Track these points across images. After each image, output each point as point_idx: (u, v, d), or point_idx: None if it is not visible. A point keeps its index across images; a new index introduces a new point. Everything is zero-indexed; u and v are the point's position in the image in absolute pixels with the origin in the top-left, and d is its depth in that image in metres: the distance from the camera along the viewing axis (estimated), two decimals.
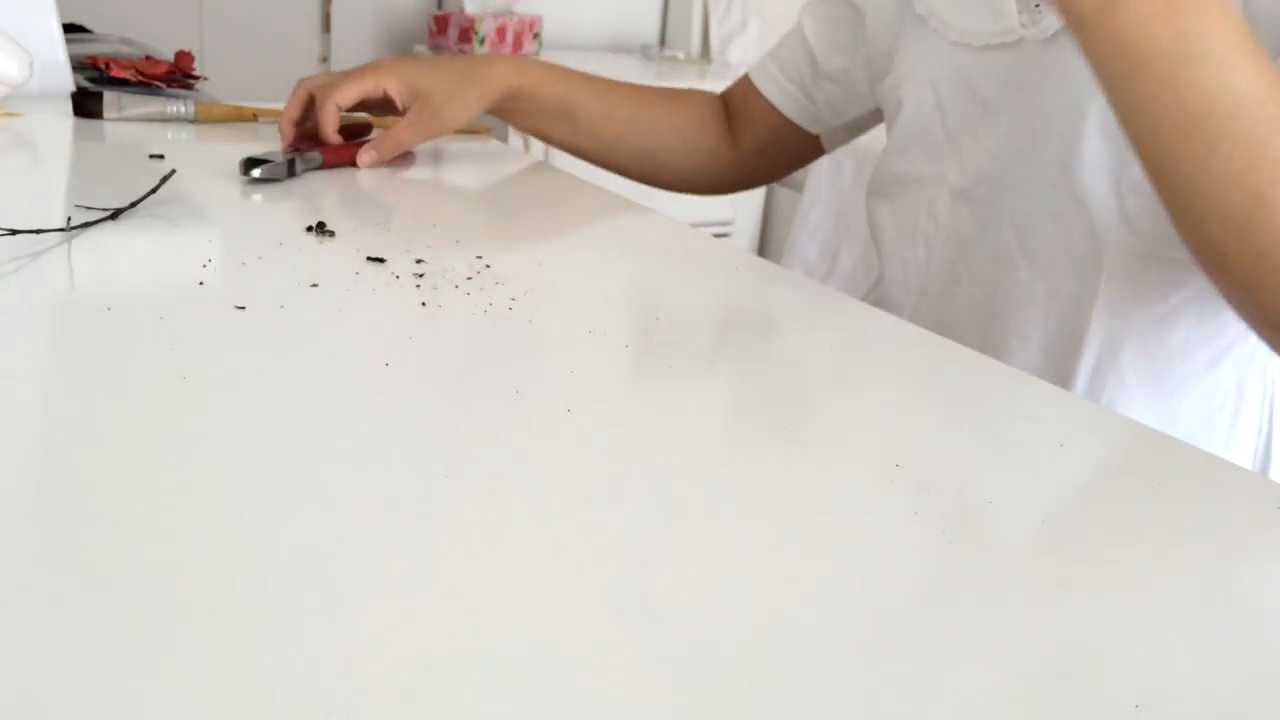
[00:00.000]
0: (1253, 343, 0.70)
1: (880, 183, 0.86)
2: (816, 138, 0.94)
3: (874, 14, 0.85)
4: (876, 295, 0.86)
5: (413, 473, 0.40)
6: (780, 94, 0.92)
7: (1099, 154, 0.68)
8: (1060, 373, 0.73)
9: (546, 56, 2.53)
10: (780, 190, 2.52)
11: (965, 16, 0.77)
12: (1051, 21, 0.71)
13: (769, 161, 0.97)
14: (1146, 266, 0.69)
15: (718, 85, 1.02)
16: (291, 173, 0.78)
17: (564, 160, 1.02)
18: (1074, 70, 0.69)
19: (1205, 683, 0.33)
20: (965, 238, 0.77)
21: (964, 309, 0.77)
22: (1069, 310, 0.72)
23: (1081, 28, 0.54)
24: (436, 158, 0.96)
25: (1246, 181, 0.52)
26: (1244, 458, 0.73)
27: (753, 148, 0.96)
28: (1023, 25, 0.73)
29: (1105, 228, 0.69)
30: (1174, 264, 0.68)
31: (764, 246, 2.67)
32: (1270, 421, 0.74)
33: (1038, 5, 0.73)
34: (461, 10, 2.46)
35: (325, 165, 0.83)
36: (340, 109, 0.85)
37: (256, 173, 0.76)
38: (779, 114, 0.92)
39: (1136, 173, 0.66)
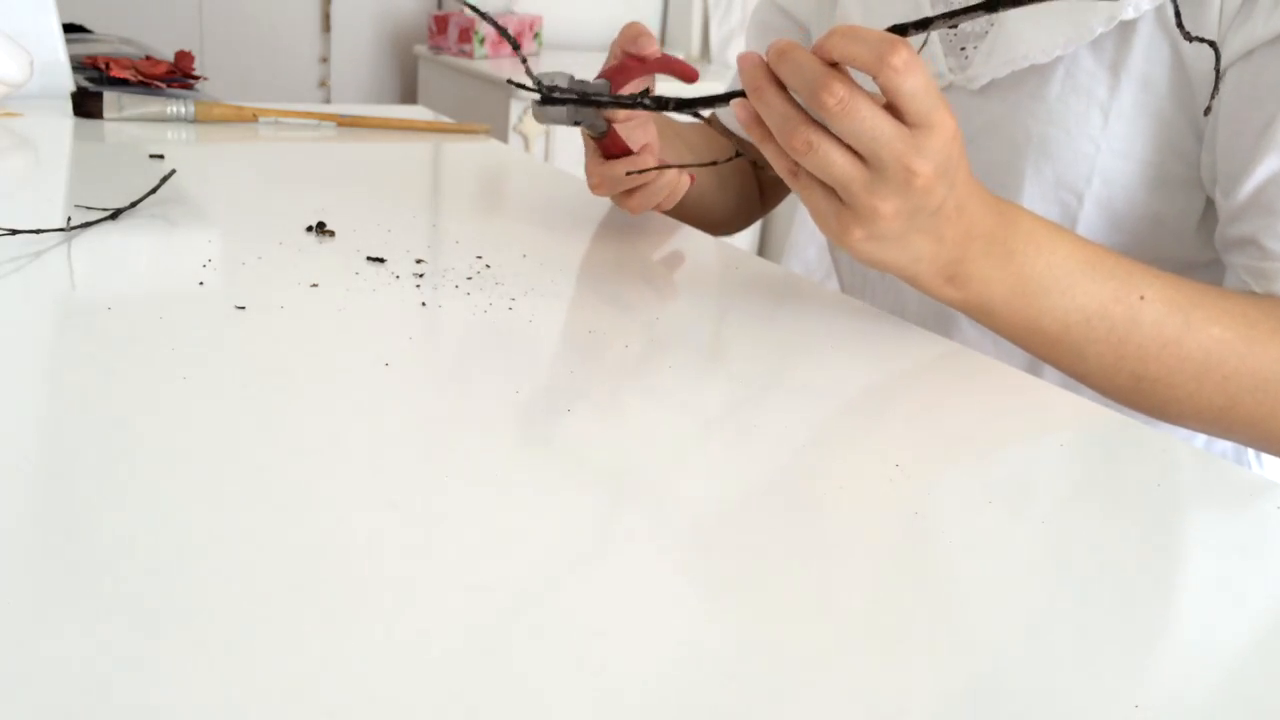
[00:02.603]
0: None
1: None
2: None
3: (816, 31, 0.84)
4: None
5: (413, 472, 0.40)
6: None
7: (1038, 200, 0.68)
8: None
9: (546, 56, 2.53)
10: None
11: None
12: (980, 72, 0.69)
13: (776, 195, 0.96)
14: None
15: (718, 85, 1.02)
16: (576, 121, 0.68)
17: (564, 160, 1.02)
18: (1007, 120, 0.68)
19: (1205, 683, 0.33)
20: (908, 291, 0.76)
21: None
22: (1020, 359, 0.72)
23: (938, 298, 0.58)
24: (436, 157, 0.96)
25: (1121, 368, 0.58)
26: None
27: (770, 184, 0.94)
28: (950, 70, 0.72)
29: None
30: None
31: (764, 246, 2.67)
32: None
33: (964, 49, 0.71)
34: (462, 10, 2.46)
35: (604, 145, 0.71)
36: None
37: (548, 109, 0.65)
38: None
39: (1083, 216, 0.67)
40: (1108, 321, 0.57)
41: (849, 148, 0.49)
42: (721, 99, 0.56)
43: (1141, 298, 0.57)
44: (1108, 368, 0.58)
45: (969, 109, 0.70)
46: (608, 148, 0.70)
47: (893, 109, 0.48)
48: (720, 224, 0.90)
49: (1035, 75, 0.67)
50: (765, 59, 0.50)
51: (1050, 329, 0.57)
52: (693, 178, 0.72)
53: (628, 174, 0.69)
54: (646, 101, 0.59)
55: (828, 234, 0.53)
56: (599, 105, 0.61)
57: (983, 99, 0.70)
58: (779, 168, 0.53)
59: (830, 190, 0.52)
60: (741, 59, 0.52)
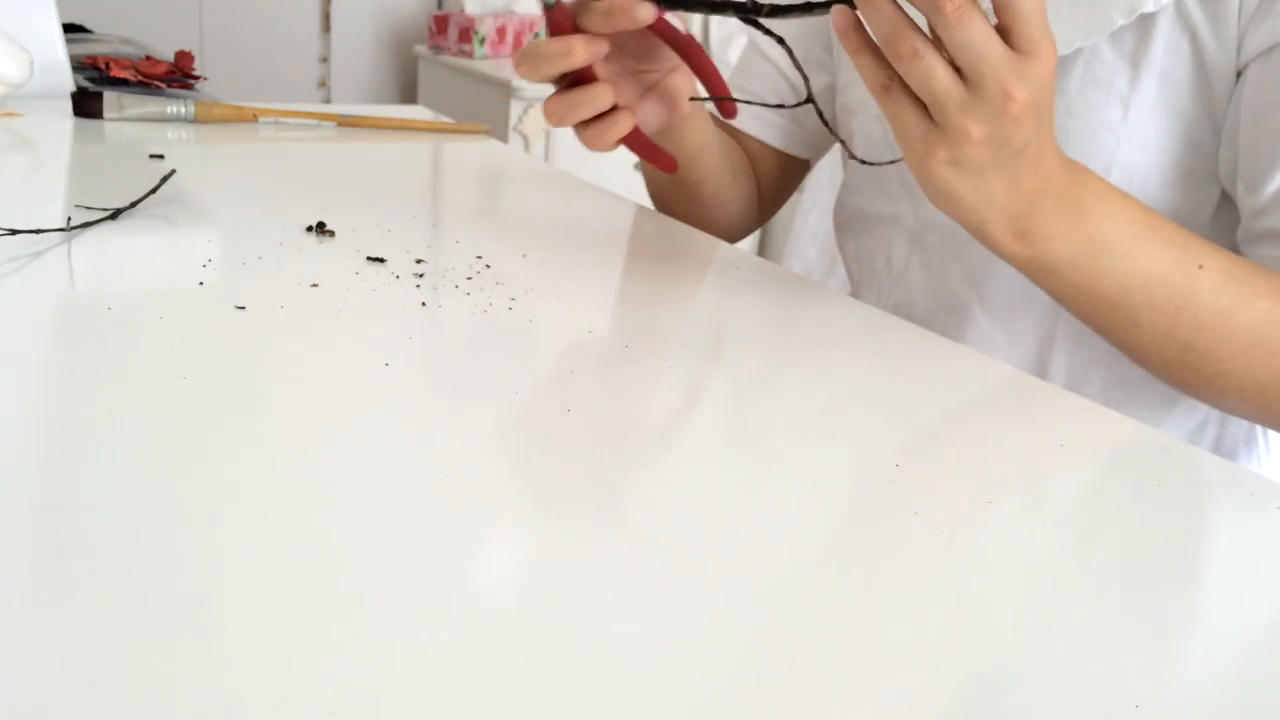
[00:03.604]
0: None
1: (843, 218, 0.85)
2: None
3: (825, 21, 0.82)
4: None
5: (412, 472, 0.40)
6: (772, 132, 0.86)
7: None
8: None
9: None
10: None
11: None
12: None
13: (779, 198, 0.92)
14: None
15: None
16: None
17: (564, 160, 1.02)
18: None
19: (1205, 682, 0.33)
20: (919, 285, 0.76)
21: None
22: (1030, 351, 0.72)
23: (1001, 256, 0.58)
24: (436, 157, 0.96)
25: (1174, 338, 0.58)
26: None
27: (769, 188, 0.90)
28: None
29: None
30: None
31: (764, 246, 2.67)
32: (1266, 435, 0.74)
33: None
34: (461, 10, 2.46)
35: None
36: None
37: None
38: (774, 150, 0.87)
39: None
40: (1166, 289, 0.57)
41: (951, 63, 0.49)
42: (822, 6, 0.54)
43: (1200, 266, 0.57)
44: (1160, 336, 0.58)
45: None
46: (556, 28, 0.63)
47: (1002, 31, 0.49)
48: (724, 228, 0.88)
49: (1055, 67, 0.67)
50: None
51: (1109, 293, 0.57)
52: (635, 128, 0.66)
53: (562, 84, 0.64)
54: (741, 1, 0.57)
55: (910, 155, 0.53)
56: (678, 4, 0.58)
57: None
58: (871, 82, 0.52)
59: (922, 108, 0.51)
60: None
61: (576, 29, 0.62)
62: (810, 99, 0.62)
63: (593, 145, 0.65)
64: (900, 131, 0.53)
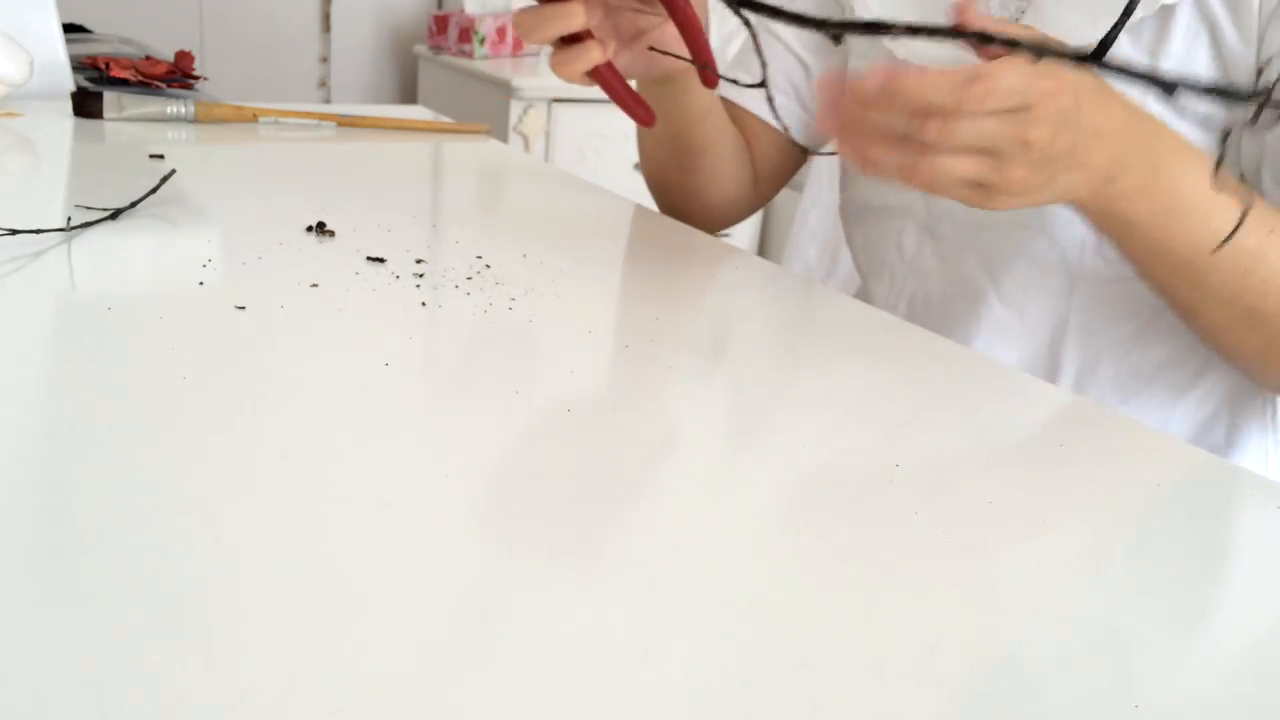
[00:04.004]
0: None
1: (851, 210, 0.84)
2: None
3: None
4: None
5: (412, 472, 0.40)
6: (782, 113, 0.84)
7: None
8: None
9: (546, 56, 2.53)
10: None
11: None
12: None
13: (774, 185, 0.90)
14: (1118, 288, 0.69)
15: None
16: None
17: (564, 160, 1.02)
18: None
19: (1205, 682, 0.33)
20: (933, 274, 0.76)
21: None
22: (1044, 339, 0.72)
23: (1079, 209, 0.58)
24: (436, 157, 0.96)
25: (1240, 301, 0.59)
26: (1252, 464, 0.73)
27: (764, 172, 0.88)
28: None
29: (1077, 259, 0.69)
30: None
31: (764, 246, 2.67)
32: (1276, 426, 0.74)
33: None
34: (461, 10, 2.46)
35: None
36: None
37: None
38: (775, 134, 0.85)
39: None
40: (1235, 251, 0.57)
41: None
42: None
43: (1270, 231, 0.57)
44: (1227, 298, 0.58)
45: None
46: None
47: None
48: (716, 208, 0.86)
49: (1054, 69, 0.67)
50: (853, 109, 0.51)
51: (1181, 251, 0.57)
52: (611, 68, 0.65)
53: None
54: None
55: (976, 205, 0.54)
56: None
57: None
58: (890, 169, 0.53)
59: (965, 181, 0.52)
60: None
61: None
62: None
63: (559, 71, 0.64)
64: (956, 198, 0.54)
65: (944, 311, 0.76)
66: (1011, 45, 0.52)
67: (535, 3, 0.62)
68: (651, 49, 0.65)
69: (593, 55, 0.63)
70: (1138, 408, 0.71)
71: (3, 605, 0.29)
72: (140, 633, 0.29)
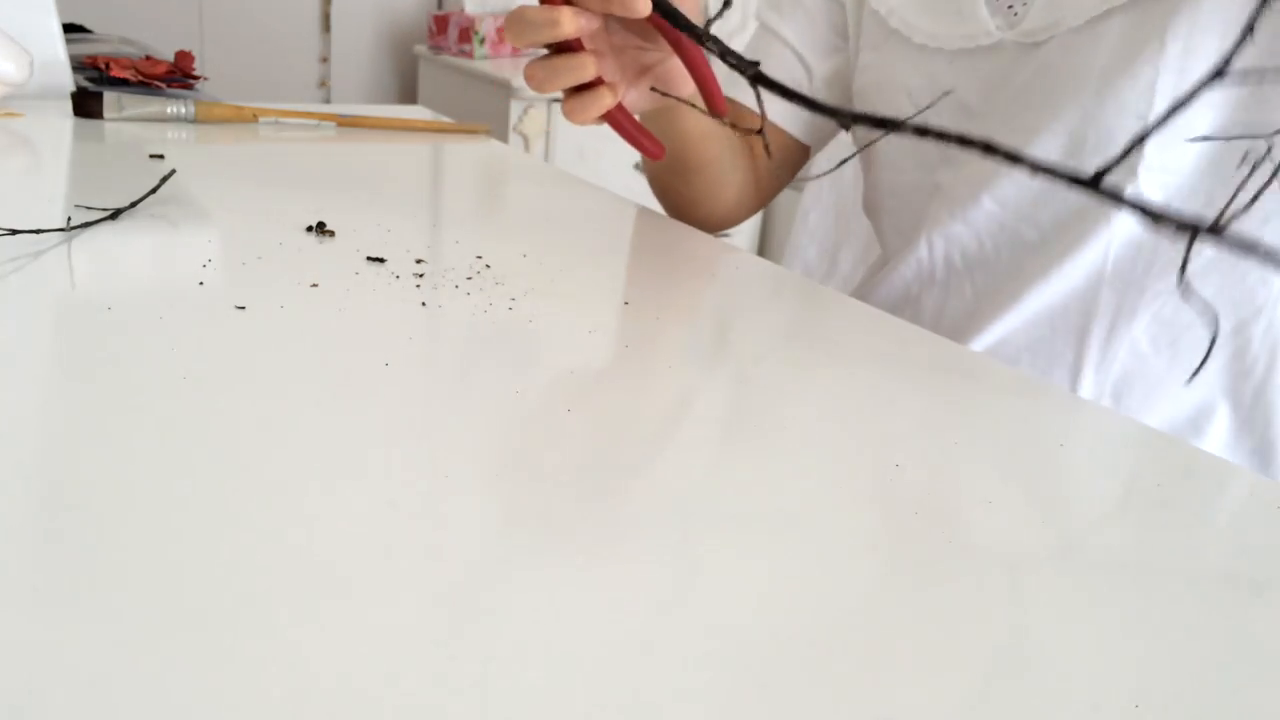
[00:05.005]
0: None
1: (875, 196, 0.84)
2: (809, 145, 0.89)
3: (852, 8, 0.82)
4: (879, 280, 0.84)
5: (412, 473, 0.40)
6: (782, 113, 0.85)
7: (1104, 142, 0.68)
8: (1071, 345, 0.72)
9: None
10: None
11: (928, 16, 0.75)
12: (1036, 26, 0.69)
13: (777, 184, 0.91)
14: (1157, 238, 0.69)
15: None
16: None
17: (564, 160, 1.02)
18: (1067, 71, 0.68)
19: (1205, 683, 0.33)
20: (968, 241, 0.76)
21: (970, 299, 0.77)
22: (1079, 288, 0.72)
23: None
24: (436, 157, 0.96)
25: None
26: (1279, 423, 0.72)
27: (768, 172, 0.89)
28: (998, 27, 0.71)
29: (1113, 210, 0.69)
30: (1183, 232, 0.68)
31: (764, 246, 2.67)
32: None
33: (1010, 6, 0.71)
34: (461, 10, 2.46)
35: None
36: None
37: None
38: (780, 133, 0.86)
39: (1148, 149, 0.66)
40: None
41: None
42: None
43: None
44: None
45: (1022, 62, 0.70)
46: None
47: None
48: (719, 213, 0.88)
49: (1098, 23, 0.67)
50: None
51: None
52: (621, 107, 0.65)
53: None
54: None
55: None
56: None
57: (1039, 51, 0.70)
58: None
59: None
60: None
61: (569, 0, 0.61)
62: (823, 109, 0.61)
63: (572, 118, 0.64)
64: None
65: (985, 271, 0.76)
66: (1013, 159, 0.53)
67: (544, 52, 0.62)
68: (654, 89, 0.65)
69: (605, 101, 0.63)
70: (1172, 357, 0.71)
71: (2, 605, 0.29)
72: (140, 633, 0.29)
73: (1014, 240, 0.74)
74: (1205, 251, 0.69)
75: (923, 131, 0.53)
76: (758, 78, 0.56)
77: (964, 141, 0.52)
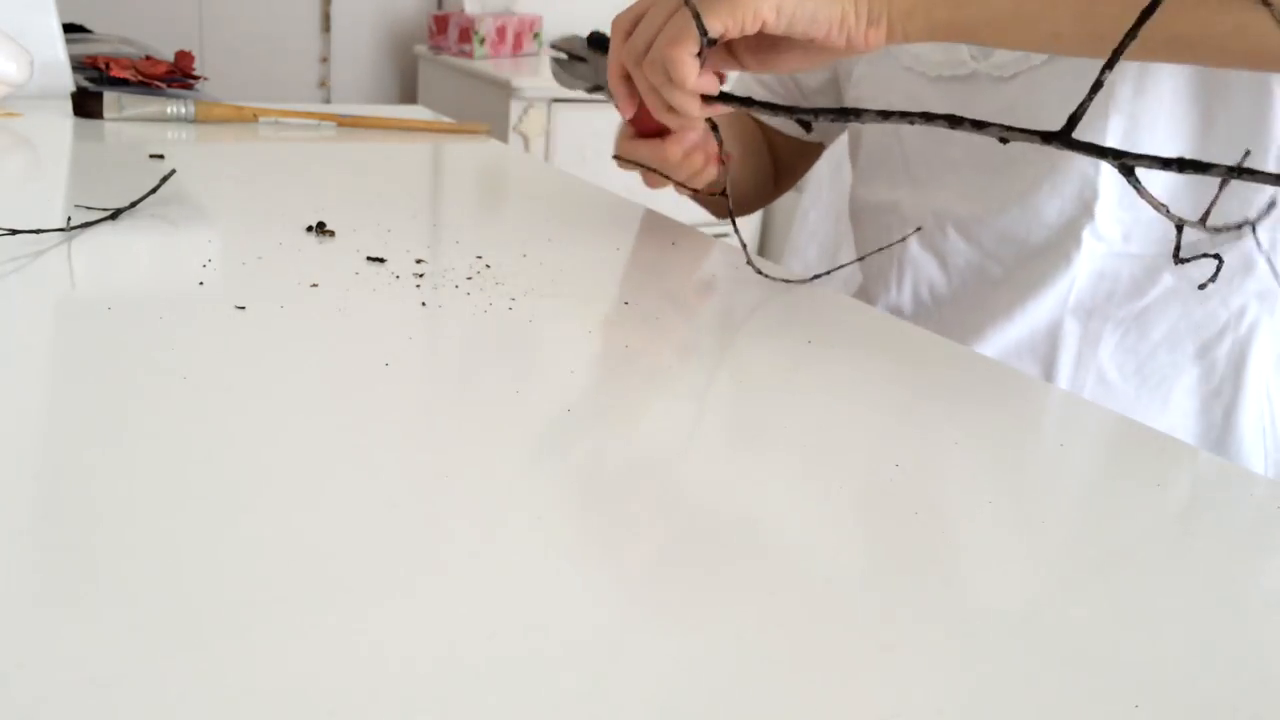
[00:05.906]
0: (1249, 323, 0.71)
1: (854, 208, 0.88)
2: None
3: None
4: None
5: (412, 473, 0.40)
6: (788, 124, 0.90)
7: (1066, 183, 0.70)
8: (1039, 376, 0.74)
9: (546, 56, 2.53)
10: None
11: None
12: (1007, 60, 0.71)
13: (793, 176, 0.97)
14: (1118, 265, 0.71)
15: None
16: (596, 86, 0.77)
17: (564, 160, 1.02)
18: (1034, 105, 0.69)
19: (1205, 683, 0.33)
20: (930, 266, 0.79)
21: (935, 328, 0.78)
22: (1042, 321, 0.74)
23: (882, 37, 0.59)
24: (436, 157, 0.96)
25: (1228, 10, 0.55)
26: (1252, 439, 0.73)
27: (784, 165, 0.95)
28: (973, 58, 0.74)
29: (1075, 242, 0.71)
30: (1142, 260, 0.70)
31: (764, 246, 2.67)
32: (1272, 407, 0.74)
33: None
34: (461, 10, 2.46)
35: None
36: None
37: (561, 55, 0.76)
38: (783, 135, 0.91)
39: (1103, 186, 0.68)
40: None
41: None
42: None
43: None
44: (1209, 12, 0.54)
45: (994, 93, 0.72)
46: (637, 122, 0.72)
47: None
48: (737, 206, 0.91)
49: (1059, 61, 0.68)
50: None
51: (1002, 13, 0.57)
52: (722, 160, 0.72)
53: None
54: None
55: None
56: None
57: (1010, 85, 0.72)
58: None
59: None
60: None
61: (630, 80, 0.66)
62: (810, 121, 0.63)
63: (653, 185, 0.74)
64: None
65: (948, 300, 0.78)
66: (978, 126, 0.54)
67: (558, 54, 0.74)
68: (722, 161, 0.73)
69: (708, 174, 0.73)
70: (1139, 384, 0.72)
71: (3, 605, 0.29)
72: (140, 633, 0.29)
73: (980, 277, 0.76)
74: (1164, 280, 0.70)
75: (886, 114, 0.55)
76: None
77: (928, 117, 0.54)
